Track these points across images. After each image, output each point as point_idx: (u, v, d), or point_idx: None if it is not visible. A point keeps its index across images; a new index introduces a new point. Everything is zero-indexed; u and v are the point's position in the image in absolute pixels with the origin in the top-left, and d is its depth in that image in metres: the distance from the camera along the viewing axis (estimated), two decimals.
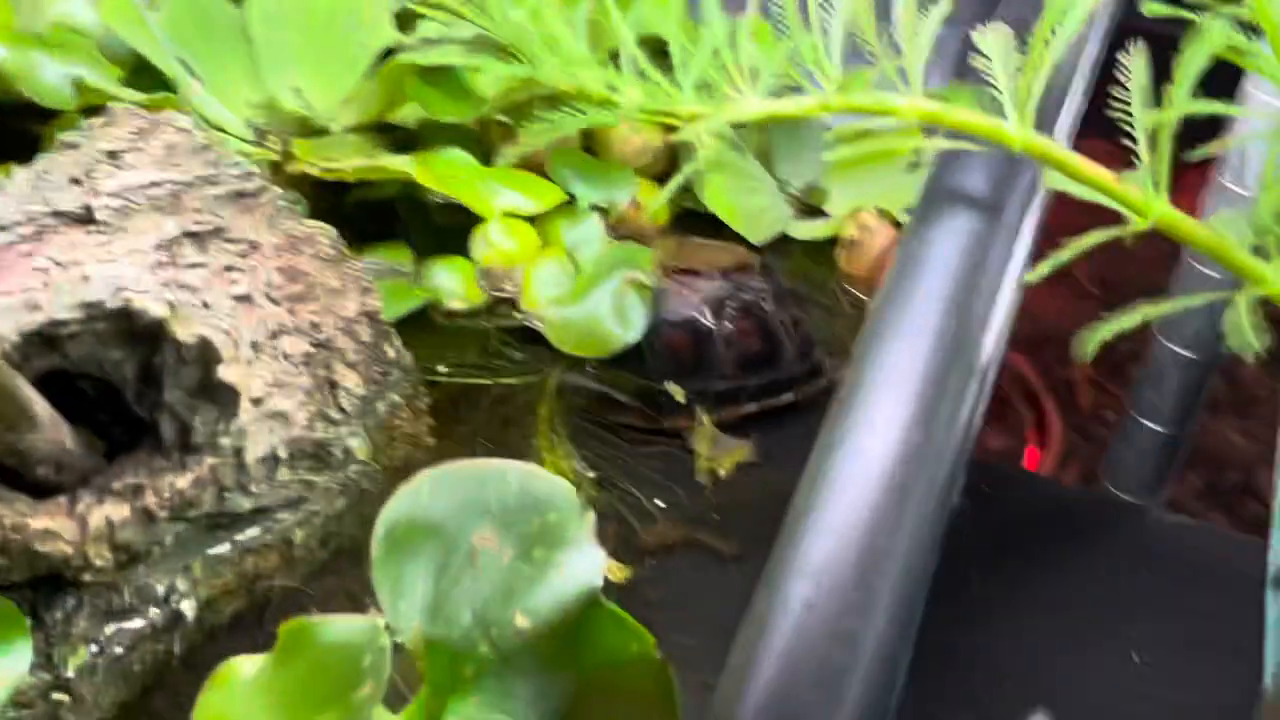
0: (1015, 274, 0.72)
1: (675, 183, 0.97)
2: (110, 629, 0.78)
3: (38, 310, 0.72)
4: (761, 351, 1.06)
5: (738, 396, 1.05)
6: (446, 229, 1.18)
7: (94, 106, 0.99)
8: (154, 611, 0.80)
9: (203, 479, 0.75)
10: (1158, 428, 1.18)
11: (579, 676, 0.69)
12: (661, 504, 0.96)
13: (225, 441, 0.76)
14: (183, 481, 0.74)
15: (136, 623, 0.79)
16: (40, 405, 0.72)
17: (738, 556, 0.94)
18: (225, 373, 0.74)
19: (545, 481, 0.72)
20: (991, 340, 0.67)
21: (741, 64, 0.79)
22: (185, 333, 0.73)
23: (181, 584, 0.81)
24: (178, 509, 0.74)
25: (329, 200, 1.13)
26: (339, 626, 0.66)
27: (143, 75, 1.16)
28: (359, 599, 0.89)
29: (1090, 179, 0.70)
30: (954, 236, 0.71)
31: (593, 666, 0.69)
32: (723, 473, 1.00)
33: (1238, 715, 0.95)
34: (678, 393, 1.04)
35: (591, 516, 0.70)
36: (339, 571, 0.92)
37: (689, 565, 0.93)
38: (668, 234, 1.19)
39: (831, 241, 1.20)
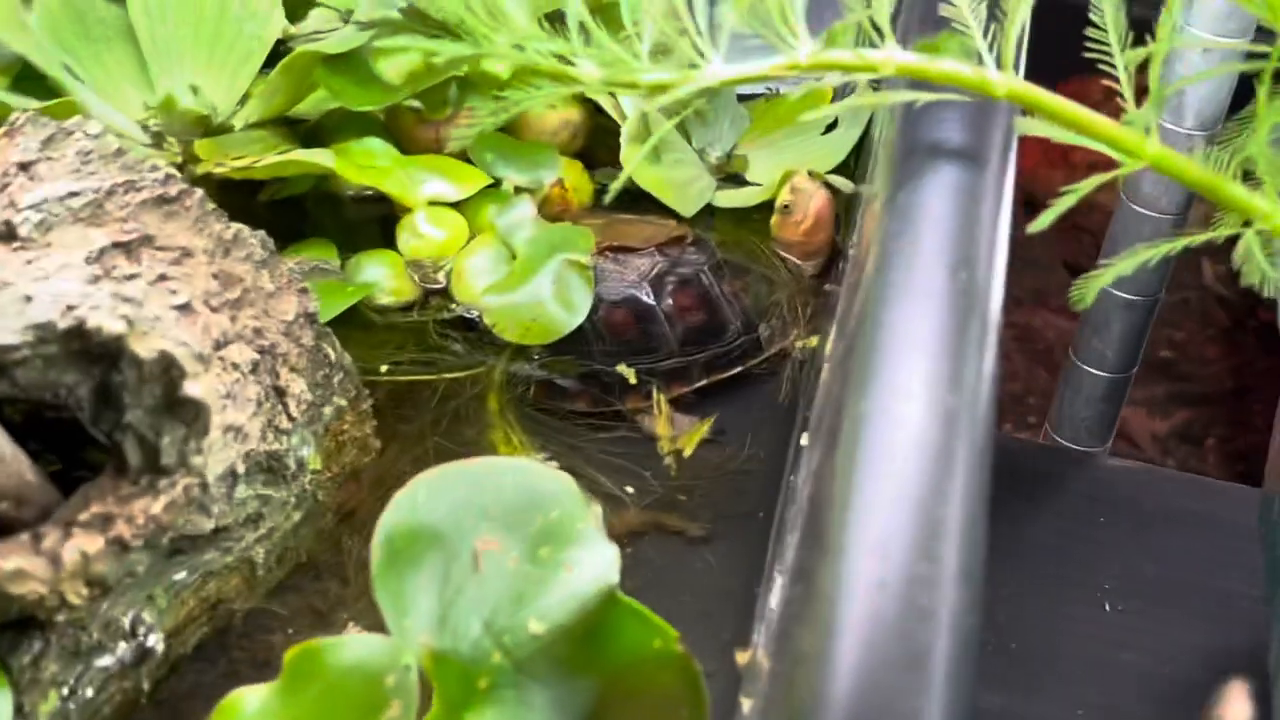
0: (1006, 225, 0.70)
1: (630, 167, 0.95)
2: (79, 670, 0.73)
3: None
4: (705, 325, 1.04)
5: (686, 373, 1.03)
6: (363, 223, 1.15)
7: None
8: (122, 647, 0.75)
9: (176, 502, 0.71)
10: (1102, 373, 1.19)
11: (601, 679, 0.66)
12: (631, 490, 0.93)
13: (197, 460, 0.71)
14: (157, 506, 0.70)
15: (105, 660, 0.74)
16: None
17: (706, 538, 0.92)
18: (191, 388, 0.70)
19: (543, 477, 0.69)
20: (998, 294, 0.65)
21: (699, 24, 0.76)
22: (145, 348, 0.69)
23: (147, 615, 0.77)
24: (152, 536, 0.70)
25: (238, 201, 1.08)
26: (353, 647, 0.63)
27: (27, 83, 1.10)
28: (328, 616, 0.85)
29: (1082, 123, 0.69)
30: (945, 191, 0.70)
31: (615, 667, 0.66)
32: (687, 453, 0.98)
33: (1224, 656, 0.96)
34: (629, 374, 1.01)
35: (597, 509, 0.68)
36: (299, 588, 0.88)
37: (660, 550, 0.91)
38: (593, 212, 1.16)
39: (758, 208, 1.17)
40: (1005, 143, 0.75)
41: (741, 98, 1.29)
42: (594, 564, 0.67)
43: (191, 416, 0.71)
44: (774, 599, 0.74)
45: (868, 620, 0.50)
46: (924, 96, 0.71)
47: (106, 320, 0.68)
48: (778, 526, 0.88)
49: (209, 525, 0.78)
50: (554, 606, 0.67)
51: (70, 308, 0.68)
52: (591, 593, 0.67)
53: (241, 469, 0.80)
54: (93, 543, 0.68)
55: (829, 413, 0.69)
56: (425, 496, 0.68)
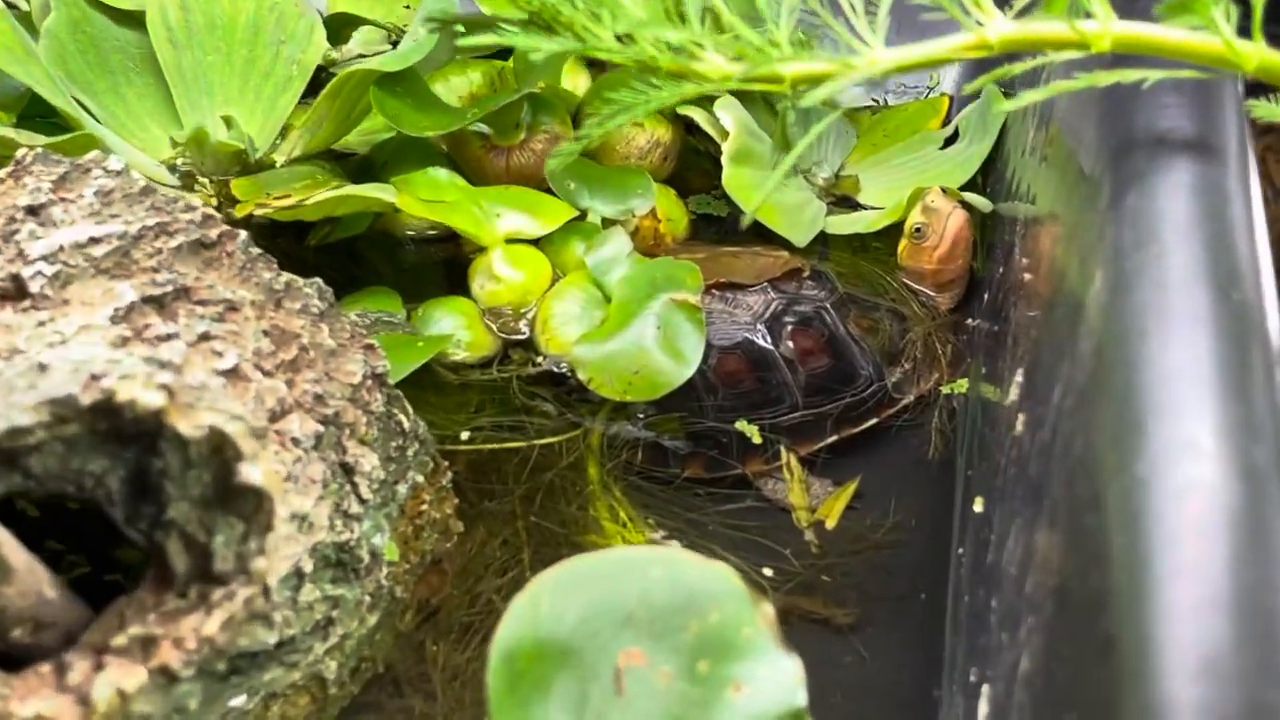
0: (1264, 230, 0.57)
1: (773, 180, 0.83)
2: None
3: None
4: (832, 370, 0.91)
5: (815, 428, 0.90)
6: (427, 268, 1.03)
7: None
8: None
9: (235, 618, 0.58)
10: None
11: None
12: (769, 572, 0.80)
13: (260, 564, 0.58)
14: (211, 625, 0.57)
15: None
16: (10, 546, 0.54)
17: (854, 625, 0.79)
18: (249, 473, 0.57)
19: (696, 570, 0.56)
20: (1275, 314, 0.52)
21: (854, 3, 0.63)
22: (189, 425, 0.56)
23: None
24: (206, 662, 0.57)
25: (283, 247, 0.97)
26: None
27: (35, 121, 0.99)
28: None
29: None
30: (1185, 192, 0.57)
31: None
32: (830, 524, 0.84)
33: None
34: (751, 432, 0.88)
35: (768, 609, 0.55)
36: (379, 707, 0.75)
37: (805, 643, 0.77)
38: (690, 245, 1.03)
39: (878, 235, 1.04)
40: (1241, 130, 0.61)
41: (846, 113, 1.16)
42: (771, 681, 0.54)
43: (251, 509, 0.58)
44: (983, 710, 0.61)
45: None
46: (1152, 75, 0.57)
47: (140, 392, 0.55)
48: (957, 614, 0.74)
49: (272, 639, 0.65)
50: None
51: (95, 378, 0.55)
52: (771, 717, 0.53)
53: (309, 566, 0.67)
54: (131, 675, 0.55)
55: (1054, 478, 0.56)
56: (550, 602, 0.55)
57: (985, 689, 0.61)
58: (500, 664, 0.54)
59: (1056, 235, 0.71)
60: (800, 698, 0.53)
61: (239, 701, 0.66)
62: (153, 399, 0.55)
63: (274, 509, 0.58)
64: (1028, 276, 0.76)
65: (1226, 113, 0.62)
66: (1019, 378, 0.70)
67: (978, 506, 0.76)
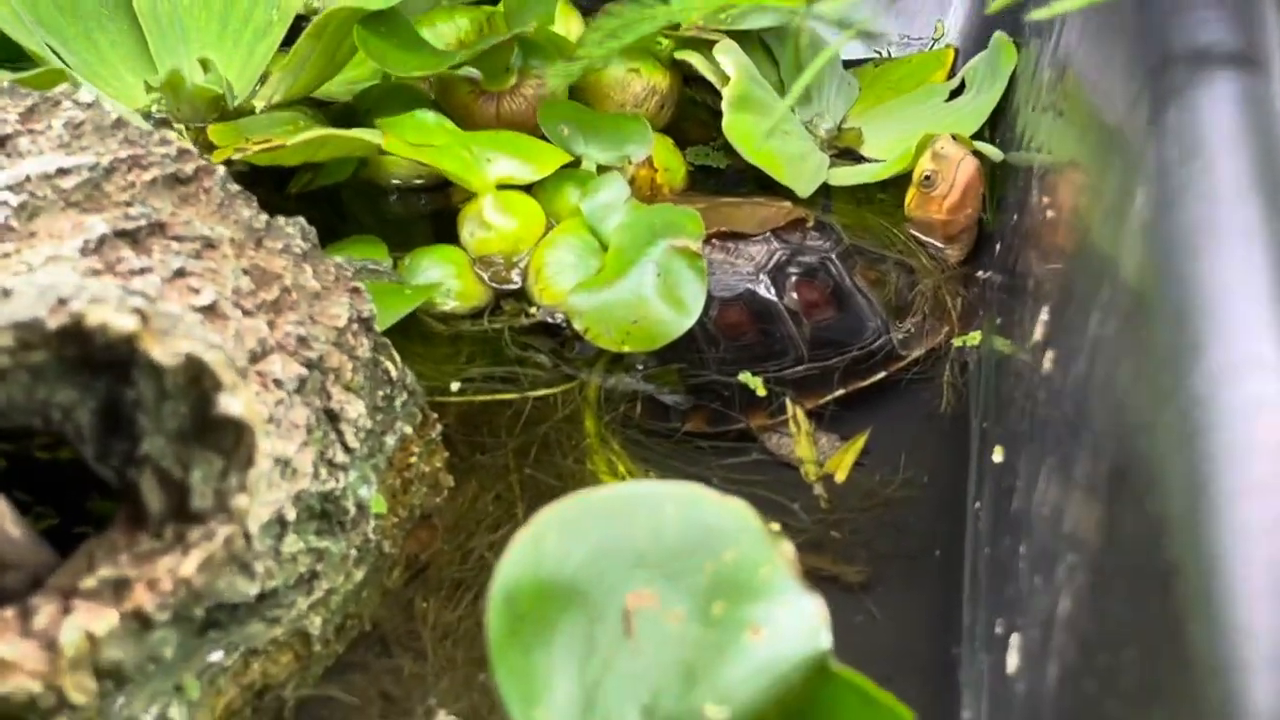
0: None
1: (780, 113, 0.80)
2: None
3: None
4: (838, 323, 0.88)
5: (821, 381, 0.86)
6: (412, 218, 0.99)
7: None
8: None
9: (215, 559, 0.54)
10: None
11: None
12: (776, 526, 0.76)
13: (240, 502, 0.54)
14: (188, 565, 0.53)
15: None
16: None
17: (865, 583, 0.75)
18: (229, 404, 0.53)
19: (712, 506, 0.53)
20: None
21: None
22: (164, 352, 0.52)
23: (175, 713, 0.60)
24: (183, 606, 0.53)
25: (262, 196, 0.92)
26: None
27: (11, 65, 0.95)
28: (403, 702, 0.68)
29: None
30: (1230, 105, 0.53)
31: None
32: (840, 478, 0.81)
33: None
34: (755, 385, 0.84)
35: (787, 547, 0.51)
36: (365, 667, 0.71)
37: None
38: (688, 196, 0.99)
39: (881, 186, 1.00)
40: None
41: (846, 64, 1.12)
42: (791, 623, 0.51)
43: (231, 443, 0.54)
44: (1013, 661, 0.57)
45: None
46: None
47: (112, 316, 0.51)
48: (975, 568, 0.71)
49: (253, 590, 0.61)
50: (739, 683, 0.50)
51: (63, 301, 0.51)
52: (791, 663, 0.50)
53: (291, 515, 0.63)
54: (101, 618, 0.51)
55: (1095, 409, 0.53)
56: (556, 540, 0.51)
57: (1015, 639, 0.58)
58: (501, 605, 0.50)
59: (1082, 173, 0.68)
60: (823, 639, 0.49)
61: (217, 656, 0.63)
62: (125, 323, 0.52)
63: (255, 442, 0.54)
64: (1050, 215, 0.73)
65: (1268, 24, 0.58)
66: (1044, 316, 0.67)
67: (997, 456, 0.72)
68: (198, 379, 0.53)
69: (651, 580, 0.51)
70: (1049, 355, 0.63)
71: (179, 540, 0.54)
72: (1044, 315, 0.67)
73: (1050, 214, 0.73)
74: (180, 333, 0.54)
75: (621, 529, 0.52)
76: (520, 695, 0.50)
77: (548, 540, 0.51)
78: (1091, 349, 0.55)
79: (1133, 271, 0.52)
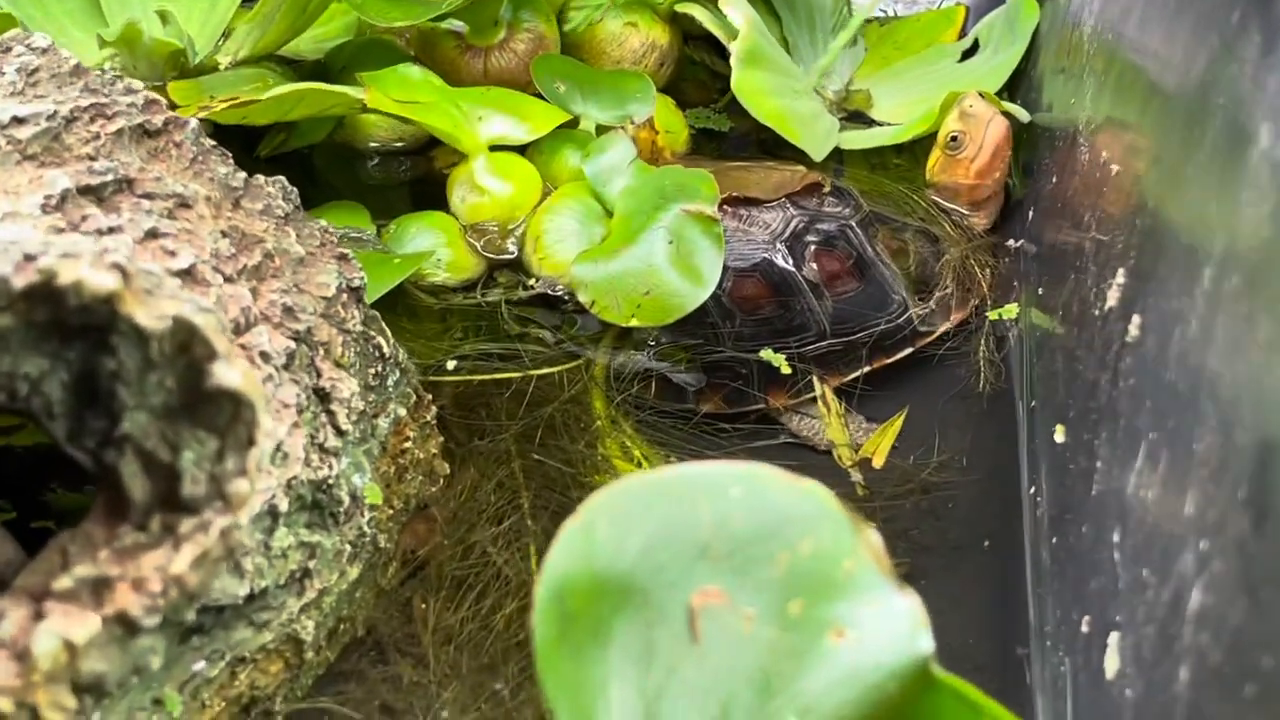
0: None
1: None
2: None
3: None
4: (861, 295, 0.82)
5: (845, 357, 0.81)
6: (392, 184, 0.92)
7: None
8: None
9: (211, 554, 0.47)
10: None
11: None
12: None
13: (240, 487, 0.48)
14: (180, 563, 0.46)
15: None
16: None
17: (908, 578, 0.69)
18: (224, 374, 0.46)
19: (785, 488, 0.47)
20: None
21: None
22: (149, 315, 0.46)
23: None
24: (174, 609, 0.46)
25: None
26: None
27: None
28: (404, 715, 0.62)
29: None
30: None
31: None
32: (878, 463, 0.75)
33: None
34: (778, 361, 0.78)
35: (874, 537, 0.45)
36: (361, 675, 0.65)
37: None
38: (692, 159, 0.93)
39: (896, 151, 0.95)
40: None
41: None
42: (881, 624, 0.45)
43: (227, 419, 0.48)
44: (1113, 663, 0.51)
45: None
46: None
47: (89, 272, 0.44)
48: (1038, 559, 0.65)
49: (242, 590, 0.55)
50: (822, 693, 0.45)
51: (29, 258, 0.44)
52: (883, 670, 0.44)
53: (284, 505, 0.57)
54: (81, 624, 0.44)
55: (1219, 375, 0.47)
56: (608, 529, 0.45)
57: (1113, 639, 0.52)
58: (549, 603, 0.44)
59: (1155, 126, 0.62)
60: (924, 643, 0.43)
61: (200, 666, 0.56)
62: (104, 281, 0.45)
63: (256, 419, 0.48)
64: (1114, 173, 0.67)
65: None
66: (1119, 279, 0.61)
67: (1059, 437, 0.67)
68: (187, 346, 0.47)
69: (718, 574, 0.45)
70: (1134, 322, 0.57)
71: (168, 533, 0.47)
72: (1119, 279, 0.61)
73: (1113, 169, 0.67)
74: (166, 293, 0.47)
75: (682, 516, 0.46)
76: (572, 707, 0.44)
77: (599, 529, 0.45)
78: (1206, 309, 0.49)
79: (1262, 217, 0.46)
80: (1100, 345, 0.62)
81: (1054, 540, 0.64)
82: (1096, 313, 0.64)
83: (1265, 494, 0.41)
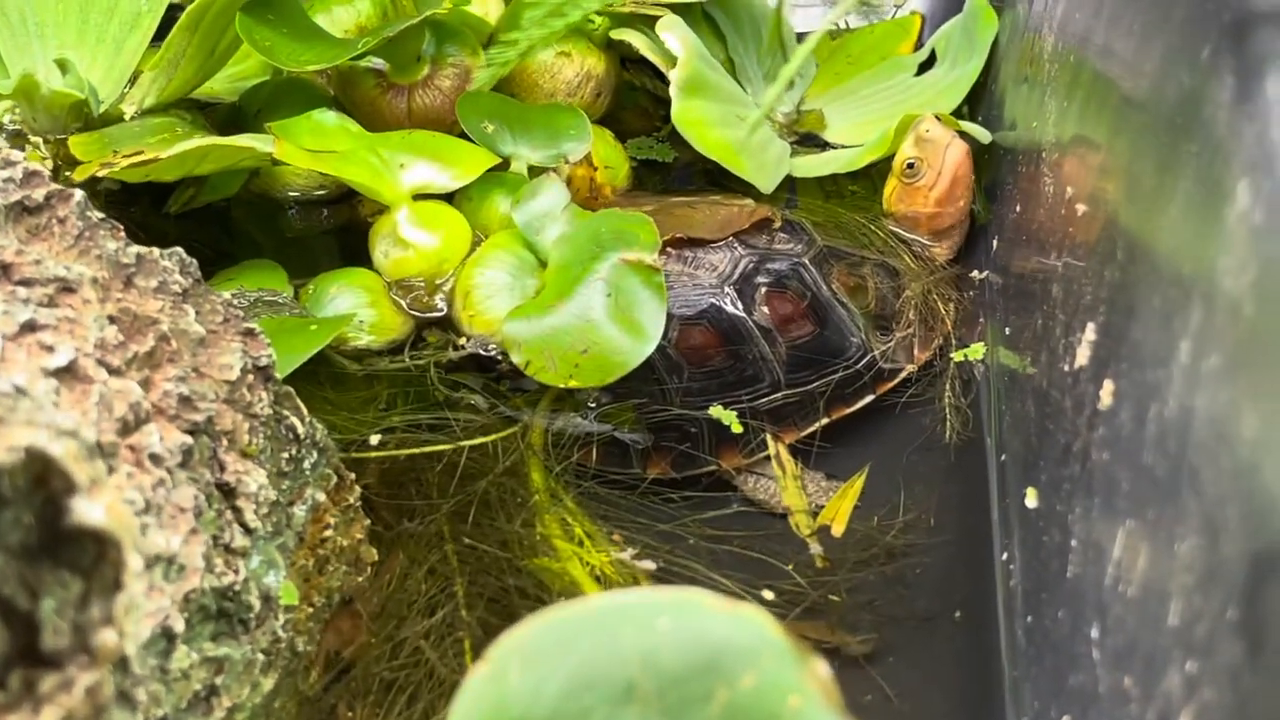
0: None
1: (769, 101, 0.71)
2: None
3: None
4: (816, 340, 0.78)
5: (802, 410, 0.76)
6: (315, 236, 0.88)
7: None
8: None
9: (76, 716, 0.42)
10: None
11: None
12: (770, 595, 0.66)
13: (107, 639, 0.43)
14: None
15: None
16: None
17: (871, 656, 0.65)
18: (84, 511, 0.42)
19: (722, 616, 0.42)
20: None
21: None
22: None
23: None
24: None
25: (136, 217, 0.82)
26: None
27: None
28: None
29: None
30: None
31: None
32: (837, 530, 0.70)
33: None
34: (728, 419, 0.74)
35: (819, 668, 0.41)
36: None
37: None
38: (633, 196, 0.89)
39: (852, 177, 0.90)
40: None
41: (798, 36, 1.02)
42: None
43: (91, 560, 0.43)
44: None
45: None
46: None
47: None
48: (1013, 637, 0.61)
49: None
50: None
51: None
52: None
53: (179, 625, 0.52)
54: None
55: (1203, 470, 0.42)
56: (522, 674, 0.41)
57: None
58: None
59: (1118, 158, 0.57)
60: None
61: None
62: None
63: (123, 559, 0.43)
64: (1078, 210, 0.63)
65: None
66: (1089, 335, 0.57)
67: (1031, 501, 0.62)
68: (43, 479, 0.42)
69: (648, 718, 0.41)
70: (1107, 388, 0.53)
71: (28, 692, 0.42)
72: (1089, 334, 0.57)
73: (1079, 209, 0.63)
74: (19, 418, 0.43)
75: (604, 653, 0.42)
76: None
77: (511, 675, 0.41)
78: (1184, 388, 0.45)
79: (1242, 290, 0.41)
80: (1071, 407, 0.58)
81: (1029, 619, 0.60)
82: (1066, 368, 0.60)
83: (1259, 620, 0.36)
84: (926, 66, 1.00)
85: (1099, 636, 0.49)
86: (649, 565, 0.67)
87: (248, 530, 0.59)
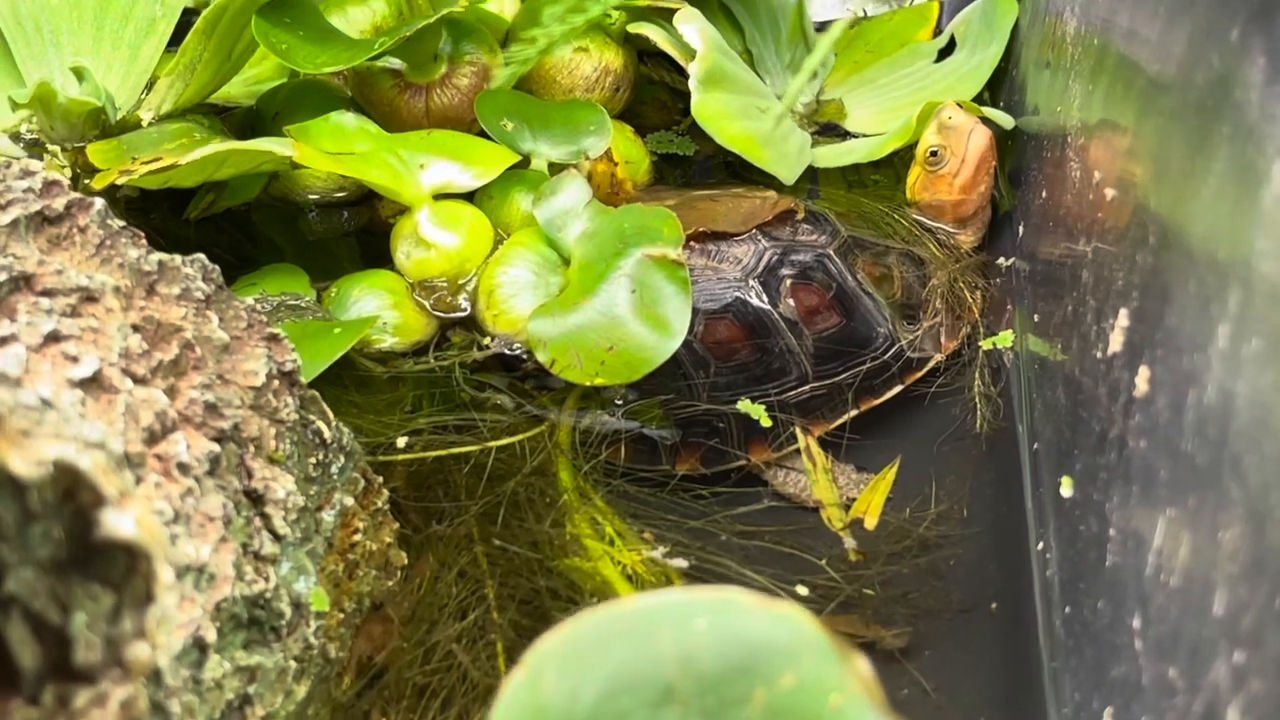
0: None
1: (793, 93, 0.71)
2: None
3: None
4: (843, 331, 0.77)
5: (829, 402, 0.76)
6: (335, 238, 0.87)
7: None
8: None
9: None
10: None
11: None
12: (804, 590, 0.65)
13: (139, 653, 0.43)
14: None
15: None
16: None
17: (907, 649, 0.65)
18: (114, 524, 0.41)
19: (758, 615, 0.42)
20: None
21: None
22: (25, 461, 0.41)
23: None
24: None
25: (155, 224, 0.82)
26: None
27: None
28: None
29: None
30: None
31: None
32: (870, 524, 0.70)
33: None
34: (758, 413, 0.73)
35: (862, 666, 0.40)
36: None
37: None
38: (655, 191, 0.88)
39: (874, 166, 0.90)
40: None
41: (817, 25, 1.02)
42: None
43: (122, 572, 0.43)
44: None
45: None
46: None
47: None
48: (1052, 627, 0.60)
49: None
50: None
51: None
52: None
53: (211, 634, 0.52)
54: None
55: (1248, 457, 0.41)
56: (558, 678, 0.40)
57: None
58: None
59: (1148, 143, 0.57)
60: None
61: None
62: None
63: (154, 571, 0.43)
64: (1107, 195, 0.62)
65: None
66: (1122, 321, 0.56)
67: (1066, 490, 0.62)
68: (72, 492, 0.42)
69: (687, 719, 0.41)
70: (1142, 374, 0.52)
71: (62, 708, 0.42)
72: (1122, 320, 0.56)
73: (1107, 193, 0.62)
74: (47, 431, 0.42)
75: (641, 655, 0.41)
76: None
77: (547, 679, 0.40)
78: (1224, 373, 0.44)
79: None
80: (1106, 394, 0.57)
81: (1067, 610, 0.59)
82: (1099, 355, 0.59)
83: None
84: (946, 53, 0.99)
85: (1141, 627, 0.49)
86: (681, 563, 0.67)
87: (277, 537, 0.59)
